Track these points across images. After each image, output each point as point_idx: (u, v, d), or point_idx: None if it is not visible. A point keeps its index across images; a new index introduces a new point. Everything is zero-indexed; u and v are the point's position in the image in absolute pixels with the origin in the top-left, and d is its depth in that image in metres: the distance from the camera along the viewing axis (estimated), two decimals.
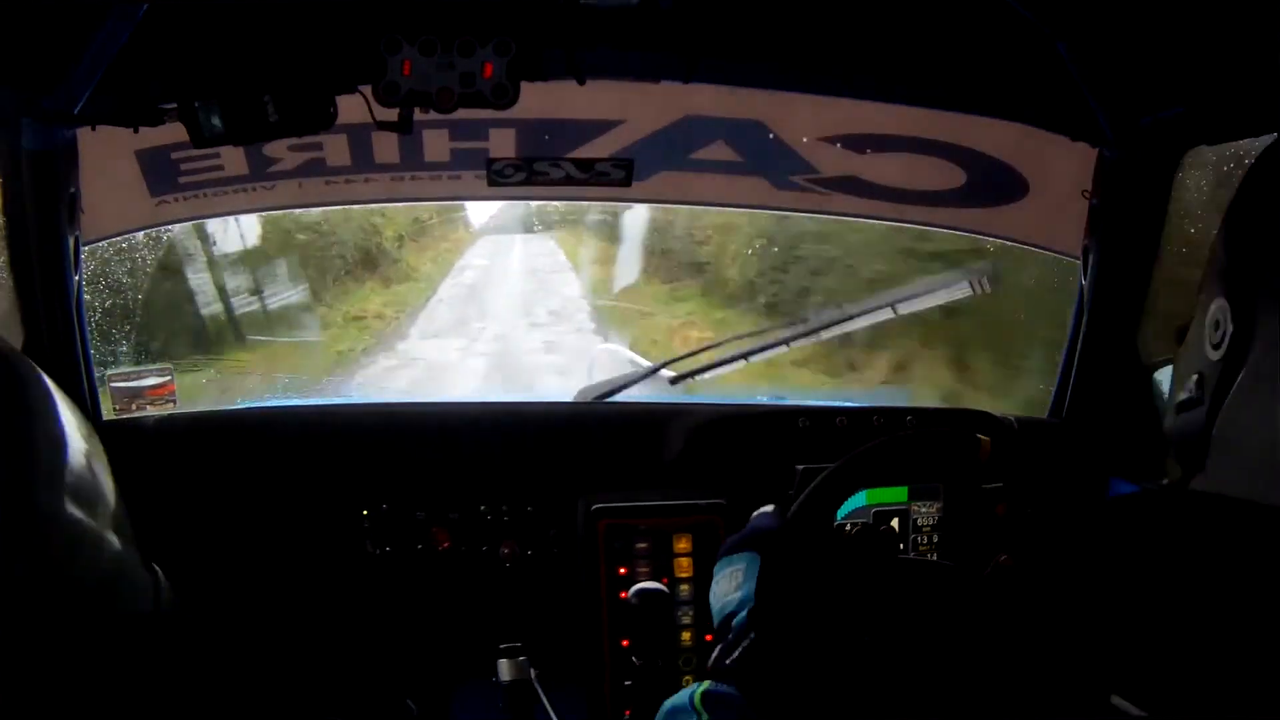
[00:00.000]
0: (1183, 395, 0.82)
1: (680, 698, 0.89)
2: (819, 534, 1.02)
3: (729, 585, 1.00)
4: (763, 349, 1.80)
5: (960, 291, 1.79)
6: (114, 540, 0.61)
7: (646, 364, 1.86)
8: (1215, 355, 0.78)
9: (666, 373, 1.81)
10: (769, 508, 1.07)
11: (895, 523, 1.55)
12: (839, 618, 0.97)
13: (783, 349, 1.81)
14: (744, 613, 0.95)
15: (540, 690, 1.36)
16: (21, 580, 0.52)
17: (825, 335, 1.83)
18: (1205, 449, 0.79)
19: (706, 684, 0.89)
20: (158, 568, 0.71)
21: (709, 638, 1.51)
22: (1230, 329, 0.76)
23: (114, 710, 0.56)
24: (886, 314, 1.80)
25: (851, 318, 1.80)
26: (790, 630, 0.92)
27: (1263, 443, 0.73)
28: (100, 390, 1.62)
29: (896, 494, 1.55)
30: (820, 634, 0.95)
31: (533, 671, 1.35)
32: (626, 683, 1.49)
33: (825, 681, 0.96)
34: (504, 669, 1.34)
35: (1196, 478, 0.82)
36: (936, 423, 1.70)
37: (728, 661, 0.91)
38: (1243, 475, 0.75)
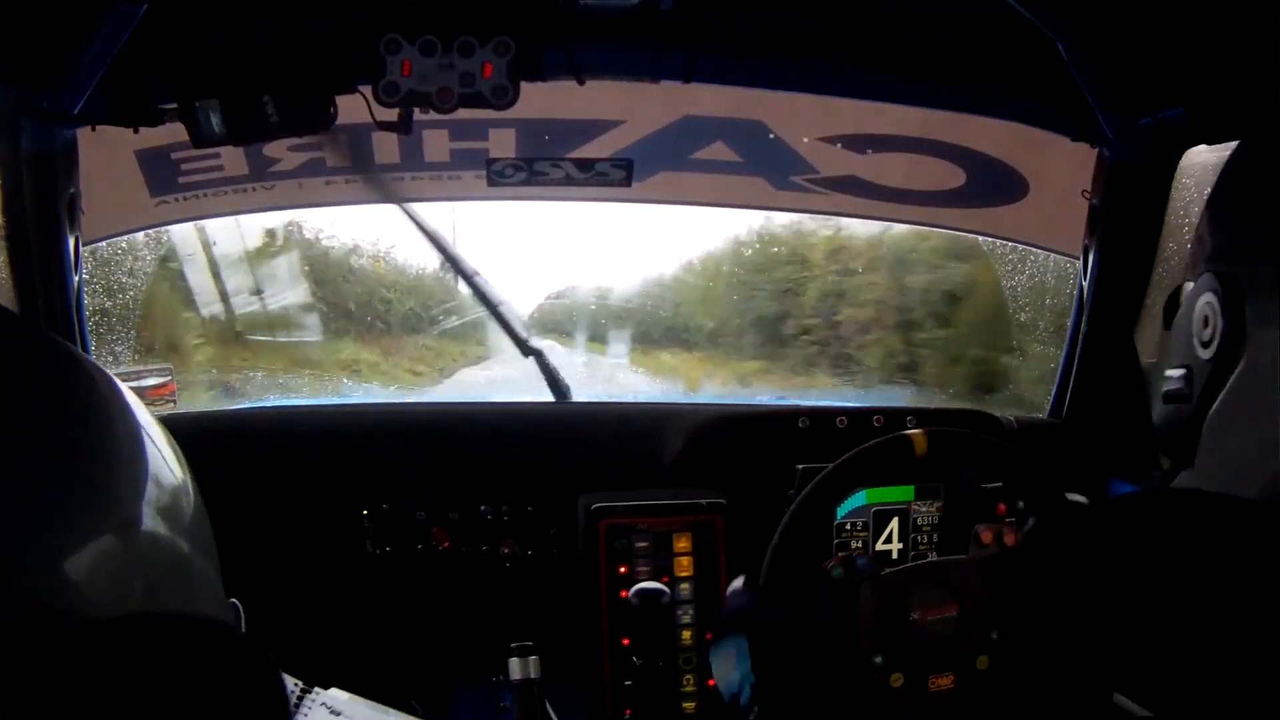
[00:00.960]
0: (1169, 386, 0.81)
1: None
2: (798, 589, 1.05)
3: (727, 669, 1.04)
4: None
5: None
6: (205, 566, 0.56)
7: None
8: (1205, 354, 0.76)
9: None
10: (738, 583, 1.10)
11: (895, 523, 1.55)
12: (839, 667, 0.99)
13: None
14: (748, 691, 1.00)
15: (540, 690, 1.36)
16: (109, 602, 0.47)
17: None
18: (1194, 445, 0.78)
19: None
20: (238, 602, 0.67)
21: (709, 636, 1.51)
22: (1221, 325, 0.74)
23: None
24: None
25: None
26: (788, 697, 0.96)
27: (1258, 443, 0.73)
28: None
29: (900, 493, 1.55)
30: (823, 691, 0.98)
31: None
32: (626, 682, 1.49)
33: (862, 696, 0.98)
34: (514, 667, 1.34)
35: (1184, 473, 0.81)
36: (936, 422, 1.70)
37: None
38: (1234, 473, 0.75)
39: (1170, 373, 0.81)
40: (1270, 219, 0.72)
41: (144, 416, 0.57)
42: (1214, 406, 0.76)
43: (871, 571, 1.01)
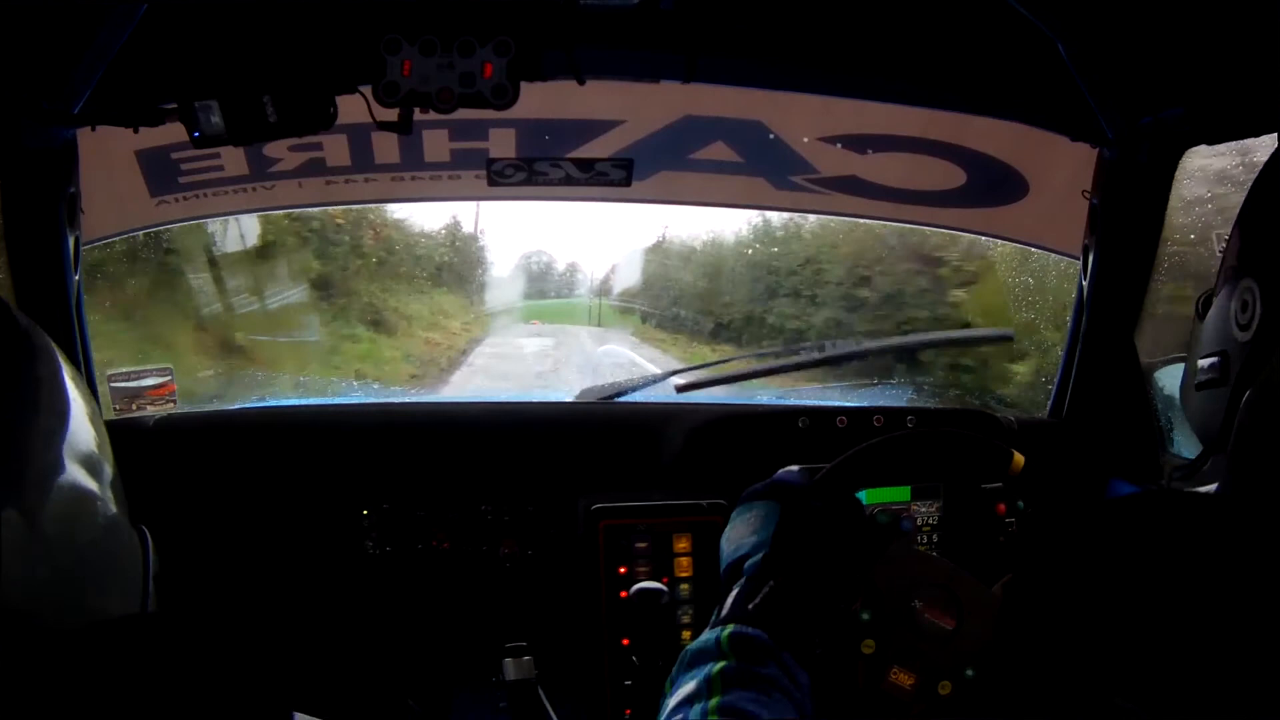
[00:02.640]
0: (1202, 376, 0.81)
1: (706, 641, 0.87)
2: (841, 502, 1.02)
3: (745, 530, 0.99)
4: (770, 371, 1.87)
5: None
6: (106, 503, 0.61)
7: (648, 365, 1.91)
8: (1243, 336, 0.76)
9: (677, 380, 1.86)
10: (795, 467, 1.07)
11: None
12: (850, 579, 0.97)
13: (790, 372, 1.90)
14: (758, 556, 0.94)
15: (540, 690, 1.36)
16: (15, 534, 0.51)
17: (827, 363, 1.95)
18: (1229, 430, 0.78)
19: (732, 626, 0.87)
20: (146, 529, 0.71)
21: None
22: (1259, 310, 0.74)
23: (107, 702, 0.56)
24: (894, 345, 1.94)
25: (859, 352, 1.90)
26: (804, 579, 0.92)
27: None
28: (100, 390, 1.62)
29: (898, 493, 1.55)
30: (830, 589, 0.95)
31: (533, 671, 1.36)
32: (626, 682, 1.49)
33: (833, 635, 0.96)
34: (509, 668, 1.34)
35: (1216, 458, 0.81)
36: (937, 423, 1.70)
37: (750, 606, 0.90)
38: (1270, 455, 0.74)
39: (1203, 362, 0.81)
40: None
41: (72, 382, 0.61)
42: (1251, 389, 0.75)
43: (910, 536, 1.00)
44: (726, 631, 0.87)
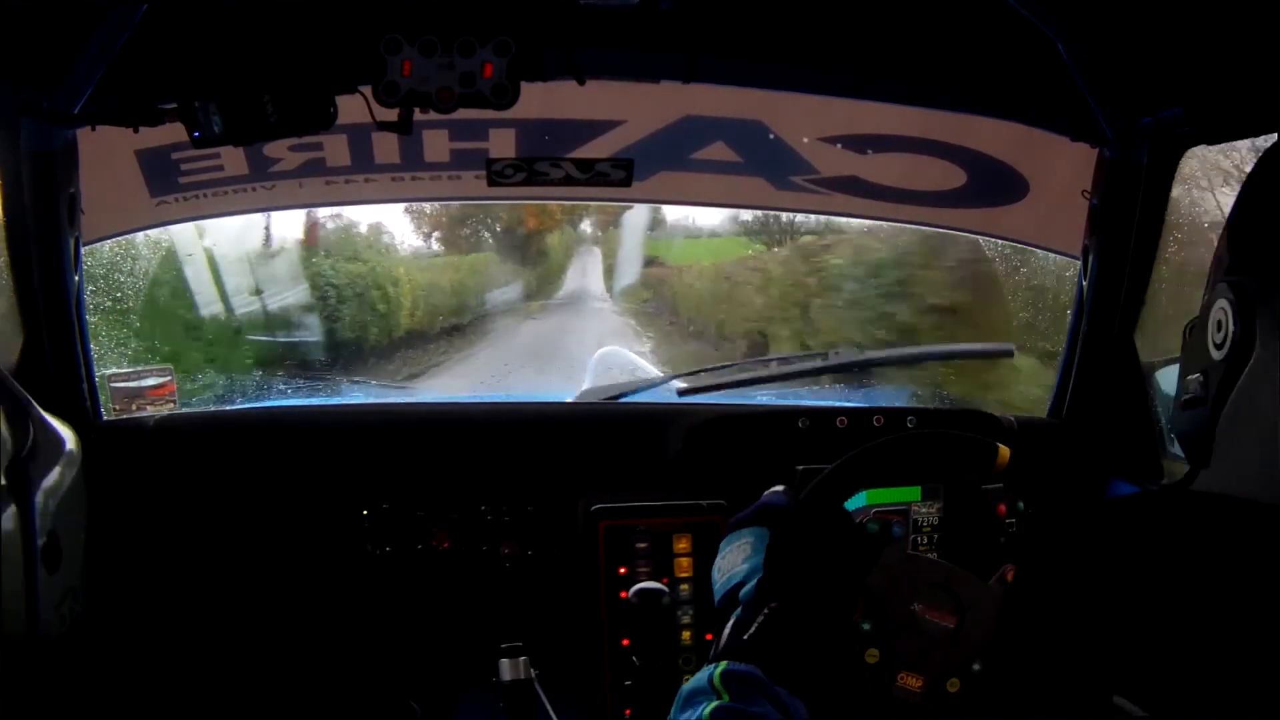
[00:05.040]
0: (1187, 394, 0.83)
1: (699, 679, 0.86)
2: (829, 517, 1.01)
3: (737, 557, 0.97)
4: (774, 378, 1.90)
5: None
6: None
7: (649, 367, 1.93)
8: (1218, 355, 0.79)
9: (677, 384, 1.88)
10: (779, 488, 1.06)
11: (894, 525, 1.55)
12: (848, 591, 0.97)
13: (794, 379, 1.98)
14: (752, 583, 0.93)
15: (540, 690, 1.36)
16: None
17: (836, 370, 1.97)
18: (1210, 446, 0.80)
19: (724, 664, 0.86)
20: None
21: (709, 636, 1.51)
22: (1232, 329, 0.77)
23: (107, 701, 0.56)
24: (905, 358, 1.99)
25: (864, 361, 1.95)
26: (803, 599, 0.91)
27: (1263, 442, 0.74)
28: (100, 390, 1.62)
29: (903, 494, 1.54)
30: (830, 605, 0.94)
31: (533, 671, 1.35)
32: (626, 683, 1.49)
33: (837, 651, 0.95)
34: (505, 669, 1.34)
35: (1201, 475, 0.82)
36: (938, 423, 1.70)
37: (745, 637, 0.89)
38: (1245, 473, 0.76)
39: (1189, 379, 0.84)
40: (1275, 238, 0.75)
41: None
42: (1225, 407, 0.78)
43: (902, 541, 1.00)
44: (719, 669, 0.86)
